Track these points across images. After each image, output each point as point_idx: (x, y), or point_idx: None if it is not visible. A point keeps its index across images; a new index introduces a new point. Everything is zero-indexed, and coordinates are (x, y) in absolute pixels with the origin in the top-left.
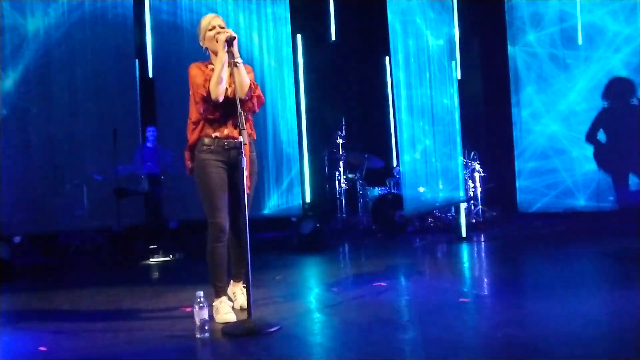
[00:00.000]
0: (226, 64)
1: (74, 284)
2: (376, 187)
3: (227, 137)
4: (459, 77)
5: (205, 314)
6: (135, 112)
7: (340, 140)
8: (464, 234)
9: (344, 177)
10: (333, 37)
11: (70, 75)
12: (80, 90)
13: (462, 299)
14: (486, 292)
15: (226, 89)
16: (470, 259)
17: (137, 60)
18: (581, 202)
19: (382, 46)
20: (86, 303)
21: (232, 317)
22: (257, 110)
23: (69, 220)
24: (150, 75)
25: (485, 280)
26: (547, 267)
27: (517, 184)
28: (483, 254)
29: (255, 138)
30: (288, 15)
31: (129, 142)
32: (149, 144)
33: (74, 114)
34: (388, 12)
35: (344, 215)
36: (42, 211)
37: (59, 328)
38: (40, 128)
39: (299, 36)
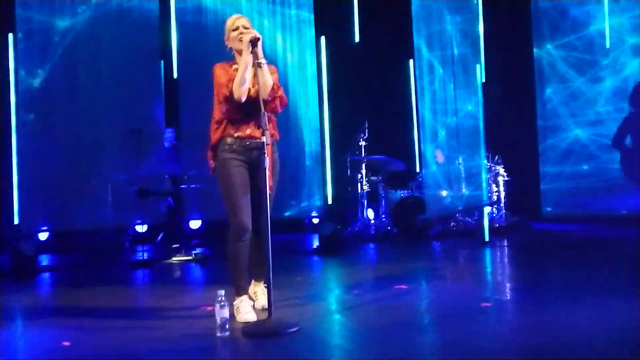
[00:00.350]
0: (250, 65)
1: (96, 281)
2: (398, 190)
3: (249, 137)
4: (483, 80)
5: (226, 313)
6: (160, 112)
7: (362, 143)
8: (486, 239)
9: (366, 179)
10: (357, 39)
11: (96, 75)
12: (105, 91)
13: (483, 304)
14: (508, 297)
15: (249, 89)
16: (492, 263)
17: (162, 61)
18: (606, 207)
19: (406, 49)
20: (108, 300)
21: (252, 317)
22: (280, 111)
23: (92, 219)
24: (175, 76)
25: (508, 285)
26: (571, 273)
27: (542, 189)
28: (506, 259)
29: (278, 138)
30: (312, 17)
31: (153, 143)
32: (166, 144)
33: (99, 114)
34: (412, 14)
35: (365, 218)
36: (65, 209)
37: (81, 324)
38: (66, 127)
39: (322, 38)
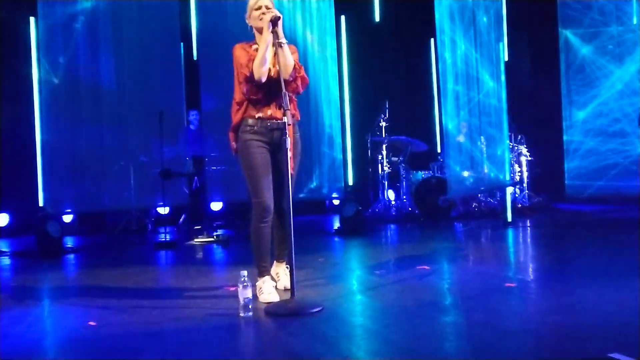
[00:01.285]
0: (270, 44)
1: (121, 262)
2: (419, 171)
3: (271, 117)
4: (506, 59)
5: (249, 293)
6: (181, 94)
7: (383, 124)
8: (509, 219)
9: (387, 160)
10: (377, 18)
11: (118, 58)
12: (127, 73)
13: (508, 284)
14: (532, 278)
15: (270, 69)
16: (515, 244)
17: (182, 44)
18: (631, 188)
19: (427, 27)
20: (132, 281)
21: (275, 297)
22: (302, 91)
23: (116, 200)
24: (195, 57)
25: (532, 266)
26: (595, 255)
27: (566, 168)
28: (529, 240)
29: (299, 119)
30: None
31: (174, 125)
32: (192, 127)
33: (121, 96)
34: None
35: (386, 199)
36: (90, 191)
37: (106, 304)
38: (89, 109)
39: (342, 17)
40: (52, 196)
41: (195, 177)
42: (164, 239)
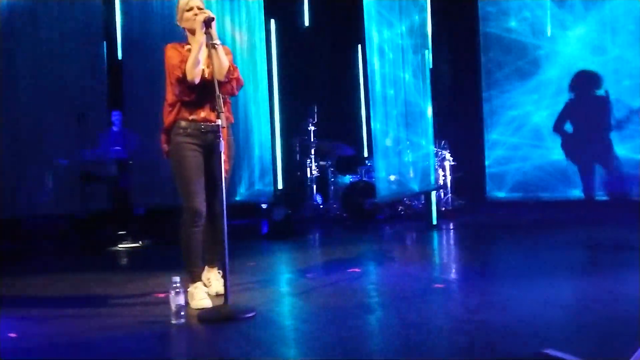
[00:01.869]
0: (204, 45)
1: (40, 270)
2: (347, 175)
3: (204, 120)
4: (430, 67)
5: (181, 300)
6: (103, 95)
7: (311, 127)
8: (434, 222)
9: (315, 164)
10: (307, 23)
11: (36, 56)
12: (46, 72)
13: (436, 285)
14: (459, 279)
15: (203, 70)
16: (441, 246)
17: (104, 42)
18: (549, 191)
19: (356, 33)
20: (54, 289)
21: (207, 303)
22: (237, 93)
23: (33, 206)
24: (120, 57)
25: (457, 267)
26: (517, 255)
27: (487, 173)
28: (453, 242)
29: (232, 121)
30: None
31: (97, 126)
32: (114, 128)
33: (39, 96)
34: None
35: (315, 203)
36: (5, 196)
37: (27, 314)
38: (4, 111)
39: (272, 20)
40: None
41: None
42: (86, 244)
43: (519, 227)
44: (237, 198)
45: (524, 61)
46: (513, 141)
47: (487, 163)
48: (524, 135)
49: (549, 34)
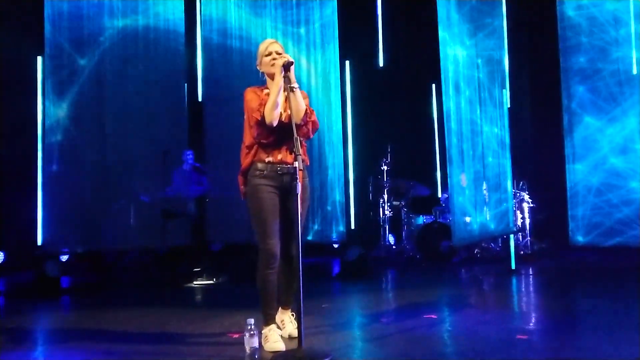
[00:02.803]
0: (282, 89)
1: (120, 303)
2: (421, 216)
3: (281, 162)
4: (509, 105)
5: (255, 342)
6: (184, 135)
7: (385, 167)
8: (513, 266)
9: (389, 204)
10: (381, 63)
11: (123, 98)
12: (131, 113)
13: (519, 336)
14: (542, 330)
15: (281, 113)
16: (520, 292)
17: (185, 84)
18: (636, 236)
19: (430, 72)
20: (134, 324)
21: (281, 346)
22: (312, 135)
23: (116, 240)
24: (200, 99)
25: (540, 316)
26: (604, 305)
27: (569, 215)
28: (533, 288)
29: (308, 164)
30: (337, 41)
31: (177, 165)
32: (185, 167)
33: (125, 136)
34: (439, 38)
35: (388, 243)
36: (89, 230)
37: (109, 349)
38: (91, 149)
39: (347, 62)
40: (50, 235)
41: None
42: (164, 280)
43: (605, 274)
44: (310, 237)
45: (609, 99)
46: (597, 183)
47: (569, 205)
48: (609, 177)
49: (634, 71)
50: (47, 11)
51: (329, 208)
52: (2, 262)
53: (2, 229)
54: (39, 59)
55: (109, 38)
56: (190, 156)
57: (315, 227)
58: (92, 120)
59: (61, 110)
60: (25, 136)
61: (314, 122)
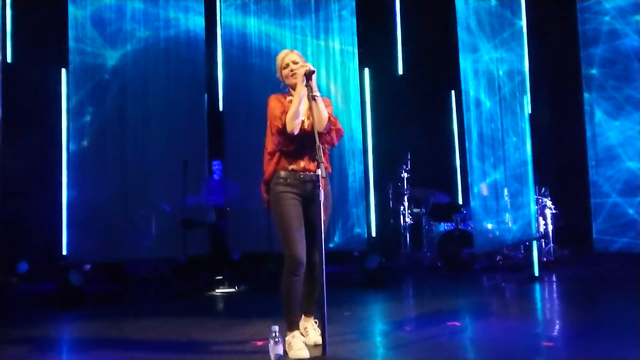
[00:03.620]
0: (304, 97)
1: (142, 313)
2: (442, 223)
3: (304, 169)
4: (529, 112)
5: (280, 350)
6: (204, 144)
7: (405, 175)
8: (536, 274)
9: (409, 212)
10: (400, 71)
11: (143, 107)
12: (152, 123)
13: (545, 343)
14: (567, 337)
15: (303, 121)
16: (544, 300)
17: (205, 94)
18: None
19: (449, 80)
20: (156, 333)
21: (305, 354)
22: (337, 143)
23: (137, 250)
24: (221, 108)
25: (565, 324)
26: (630, 313)
27: (593, 222)
28: (557, 295)
29: (330, 171)
30: (355, 49)
31: (196, 174)
32: (215, 177)
33: (145, 146)
34: (459, 44)
35: (409, 251)
36: (111, 240)
37: (132, 357)
38: (113, 159)
39: (366, 70)
40: (74, 245)
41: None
42: (185, 289)
43: (629, 280)
44: (331, 245)
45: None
46: (621, 188)
47: (593, 211)
48: (633, 182)
49: None
50: (71, 22)
51: (349, 216)
52: (25, 271)
53: (25, 240)
54: (63, 70)
55: (131, 49)
56: (218, 166)
57: (337, 235)
58: (114, 131)
59: (85, 121)
60: (49, 146)
61: (338, 130)
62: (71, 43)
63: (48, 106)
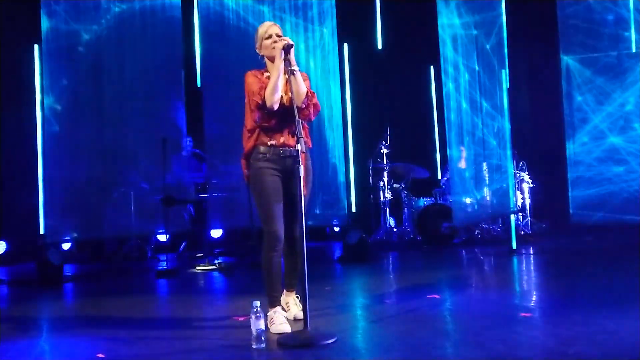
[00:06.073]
0: (282, 72)
1: (123, 291)
2: (421, 198)
3: (283, 145)
4: (508, 86)
5: (261, 324)
6: (182, 121)
7: (384, 150)
8: (514, 247)
9: (389, 187)
10: (379, 46)
11: (120, 85)
12: (129, 100)
13: (523, 314)
14: (544, 307)
15: (282, 96)
16: (521, 272)
17: (183, 71)
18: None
19: (428, 54)
20: (137, 310)
21: (287, 328)
22: (313, 118)
23: (116, 228)
24: (199, 84)
25: (542, 295)
26: (604, 283)
27: (570, 196)
28: (534, 267)
29: (310, 146)
30: (335, 24)
31: (176, 151)
32: (184, 153)
33: (123, 124)
34: (438, 18)
35: (388, 226)
36: (90, 218)
37: (114, 335)
38: (90, 137)
39: (345, 45)
40: (52, 224)
41: (190, 206)
42: (164, 267)
43: (605, 252)
44: (310, 222)
45: (609, 77)
46: (597, 163)
47: (569, 184)
48: (609, 156)
49: (634, 49)
50: None
51: (329, 192)
52: (4, 251)
53: (4, 219)
54: (36, 47)
55: (106, 24)
56: (189, 143)
57: (317, 211)
58: (91, 108)
59: (60, 99)
60: (24, 125)
61: (315, 105)
62: (43, 18)
63: (21, 84)
